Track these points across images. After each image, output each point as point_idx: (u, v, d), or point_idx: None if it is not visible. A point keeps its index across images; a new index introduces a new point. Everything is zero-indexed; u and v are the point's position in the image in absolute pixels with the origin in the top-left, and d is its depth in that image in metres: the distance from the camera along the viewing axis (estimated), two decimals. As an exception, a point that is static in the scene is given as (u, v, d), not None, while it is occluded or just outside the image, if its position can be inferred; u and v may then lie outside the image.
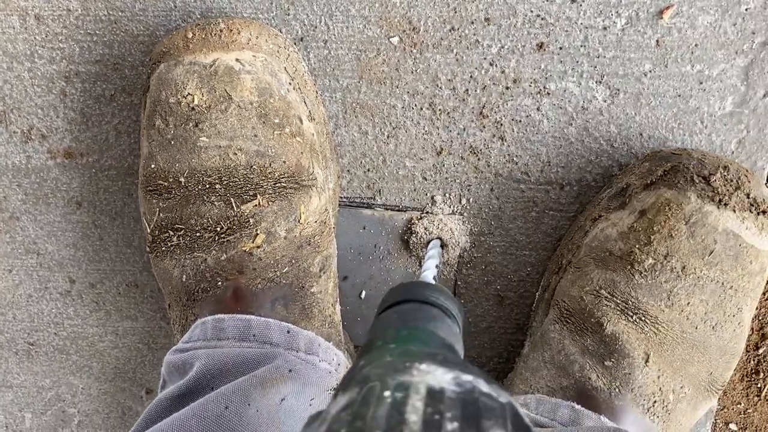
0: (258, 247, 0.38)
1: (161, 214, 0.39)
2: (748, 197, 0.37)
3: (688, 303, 0.38)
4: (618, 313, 0.38)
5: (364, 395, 0.18)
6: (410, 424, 0.16)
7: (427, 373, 0.19)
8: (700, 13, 0.41)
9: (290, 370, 0.37)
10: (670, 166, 0.39)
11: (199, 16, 0.43)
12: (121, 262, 0.50)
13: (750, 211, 0.37)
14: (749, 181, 0.37)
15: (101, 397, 0.55)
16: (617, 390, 0.38)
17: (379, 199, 0.47)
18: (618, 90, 0.43)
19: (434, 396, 0.18)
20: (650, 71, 0.42)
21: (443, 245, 0.46)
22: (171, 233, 0.39)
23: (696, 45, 0.41)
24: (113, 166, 0.47)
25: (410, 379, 0.18)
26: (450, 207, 0.46)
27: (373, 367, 0.20)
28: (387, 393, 0.18)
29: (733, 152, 0.43)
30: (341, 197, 0.47)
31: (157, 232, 0.40)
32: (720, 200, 0.37)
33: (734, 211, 0.37)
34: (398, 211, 0.47)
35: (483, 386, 0.19)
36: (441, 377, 0.19)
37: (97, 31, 0.44)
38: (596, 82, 0.42)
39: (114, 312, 0.52)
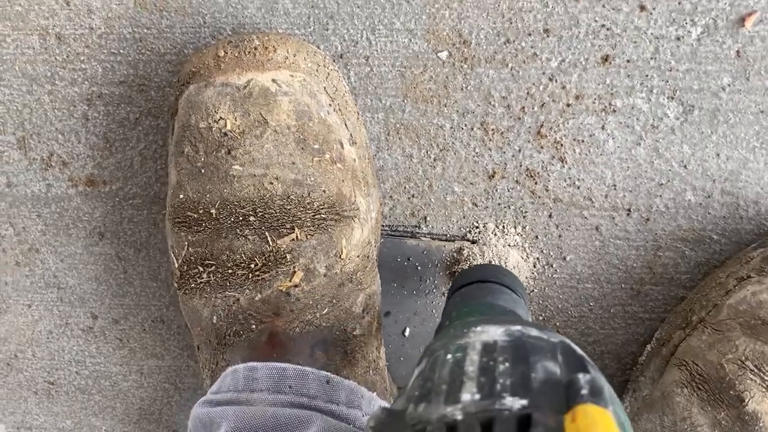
0: (296, 286, 0.34)
1: (190, 249, 0.36)
2: None
3: None
4: (764, 390, 0.34)
5: (431, 363, 0.21)
6: (468, 374, 0.20)
7: (483, 332, 0.22)
8: (787, 20, 0.36)
9: None
10: None
11: (230, 33, 0.40)
12: (147, 296, 0.47)
13: None
14: None
15: (125, 439, 0.51)
16: None
17: (425, 227, 0.43)
18: (692, 106, 0.38)
19: (488, 348, 0.21)
20: (729, 85, 0.38)
21: (496, 278, 0.42)
22: (201, 269, 0.36)
23: (782, 55, 0.37)
24: (138, 195, 0.44)
25: (467, 341, 0.21)
26: (503, 236, 0.42)
27: (438, 341, 0.23)
28: (449, 356, 0.21)
29: (824, 174, 0.39)
30: (383, 226, 0.43)
31: (185, 267, 0.36)
32: None
33: None
34: (446, 240, 0.43)
35: (533, 332, 0.21)
36: (494, 333, 0.22)
37: (121, 51, 0.41)
38: (668, 97, 0.38)
39: (139, 349, 0.48)
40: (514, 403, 0.18)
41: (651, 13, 0.37)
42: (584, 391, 0.19)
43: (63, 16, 0.40)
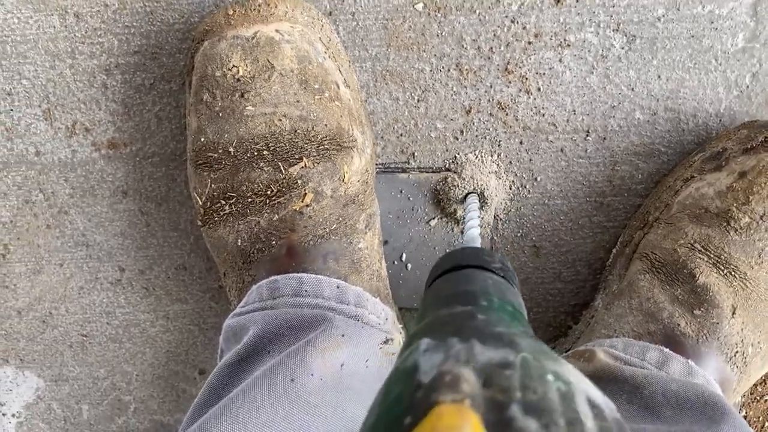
0: (307, 206, 0.40)
1: (213, 185, 0.41)
2: None
3: None
4: (710, 266, 0.41)
5: (522, 365, 0.17)
6: (587, 428, 0.15)
7: (583, 381, 0.18)
8: (707, -44, 0.43)
9: (342, 335, 0.38)
10: None
11: (230, 0, 0.45)
12: (169, 246, 0.52)
13: None
14: None
15: (155, 382, 0.57)
16: (704, 337, 0.40)
17: (414, 162, 0.49)
18: (634, 36, 0.45)
19: (596, 410, 0.17)
20: (663, 15, 0.44)
21: (481, 202, 0.48)
22: (223, 202, 0.41)
23: (705, -14, 0.43)
24: (156, 153, 0.50)
25: (567, 377, 0.17)
26: (482, 164, 0.48)
27: (513, 334, 0.19)
28: (550, 377, 0.17)
29: (747, 86, 0.45)
30: (377, 164, 0.49)
31: (209, 204, 0.42)
32: None
33: None
34: (432, 172, 0.49)
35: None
36: (595, 392, 0.18)
37: (134, 23, 0.46)
38: (613, 30, 0.45)
39: (164, 296, 0.54)
40: None
41: (593, -42, 0.43)
42: None
43: (81, -4, 0.46)
